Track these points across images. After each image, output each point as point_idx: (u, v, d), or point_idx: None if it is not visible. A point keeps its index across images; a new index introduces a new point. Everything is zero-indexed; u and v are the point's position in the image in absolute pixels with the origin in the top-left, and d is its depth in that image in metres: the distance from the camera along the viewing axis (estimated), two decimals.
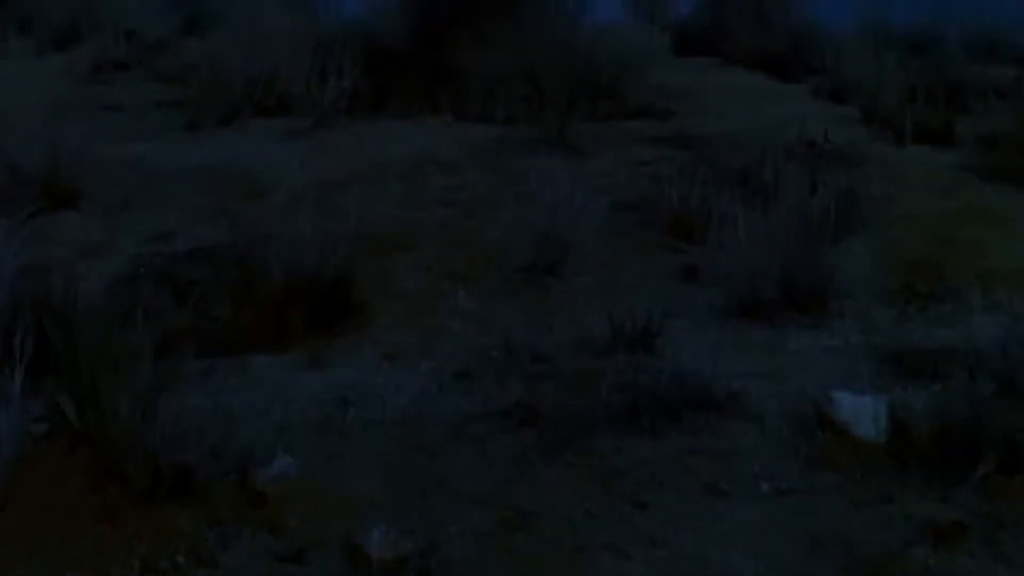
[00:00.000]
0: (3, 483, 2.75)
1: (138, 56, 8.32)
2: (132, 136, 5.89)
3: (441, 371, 3.58)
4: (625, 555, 2.66)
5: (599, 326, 3.79)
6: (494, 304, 4.04)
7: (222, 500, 2.78)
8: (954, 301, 4.12)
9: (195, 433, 2.90)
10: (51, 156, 4.81)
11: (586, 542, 2.70)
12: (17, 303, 3.49)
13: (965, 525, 2.79)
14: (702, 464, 3.09)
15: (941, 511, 2.83)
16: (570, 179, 4.87)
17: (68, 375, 2.98)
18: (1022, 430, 3.06)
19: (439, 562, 2.60)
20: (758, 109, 6.72)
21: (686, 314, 4.02)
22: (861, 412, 3.20)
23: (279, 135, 5.80)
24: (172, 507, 2.72)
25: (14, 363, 2.90)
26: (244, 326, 3.87)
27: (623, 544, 2.69)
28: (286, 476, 2.92)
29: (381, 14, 8.02)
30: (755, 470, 3.08)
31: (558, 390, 3.38)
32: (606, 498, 2.88)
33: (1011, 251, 4.44)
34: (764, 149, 5.23)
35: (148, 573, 2.57)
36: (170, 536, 2.65)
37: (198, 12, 9.30)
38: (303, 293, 3.91)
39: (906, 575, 2.61)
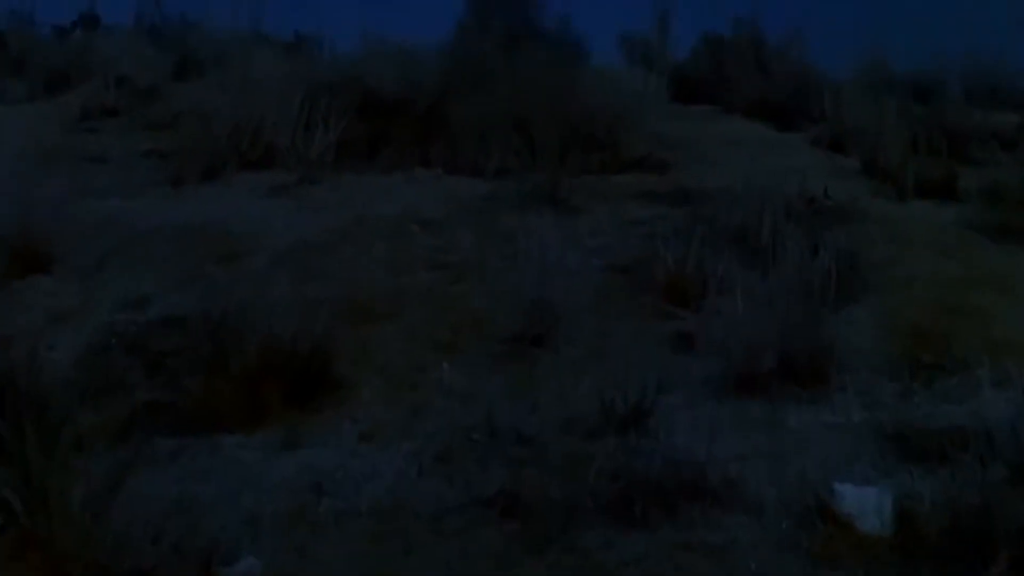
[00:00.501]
0: None
1: (128, 102, 8.19)
2: (113, 191, 5.74)
3: (421, 453, 3.40)
4: None
5: (588, 402, 3.61)
6: (479, 377, 3.85)
7: None
8: (961, 374, 3.93)
9: (154, 530, 2.72)
10: (24, 216, 4.64)
11: None
12: None
13: None
14: (697, 560, 2.90)
15: None
16: (561, 240, 4.72)
17: (17, 465, 2.79)
18: None
19: None
20: (757, 160, 6.55)
21: (680, 388, 3.84)
22: (865, 504, 3.02)
23: (264, 191, 5.63)
24: None
25: None
26: (216, 402, 3.69)
27: None
28: None
29: (376, 58, 7.91)
30: (753, 567, 2.89)
31: (543, 477, 3.19)
32: None
33: (1020, 319, 4.26)
34: (763, 206, 5.05)
35: None
36: None
37: (191, 57, 9.17)
38: (279, 367, 3.73)
39: None
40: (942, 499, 3.02)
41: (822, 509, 3.07)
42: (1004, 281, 4.64)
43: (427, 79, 7.72)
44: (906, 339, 4.17)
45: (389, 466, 3.33)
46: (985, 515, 2.91)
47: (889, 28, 10.34)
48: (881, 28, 10.51)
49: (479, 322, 4.16)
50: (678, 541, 2.97)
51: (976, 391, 3.75)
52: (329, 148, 5.84)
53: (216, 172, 5.98)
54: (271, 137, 5.90)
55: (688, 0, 11.15)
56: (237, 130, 6.08)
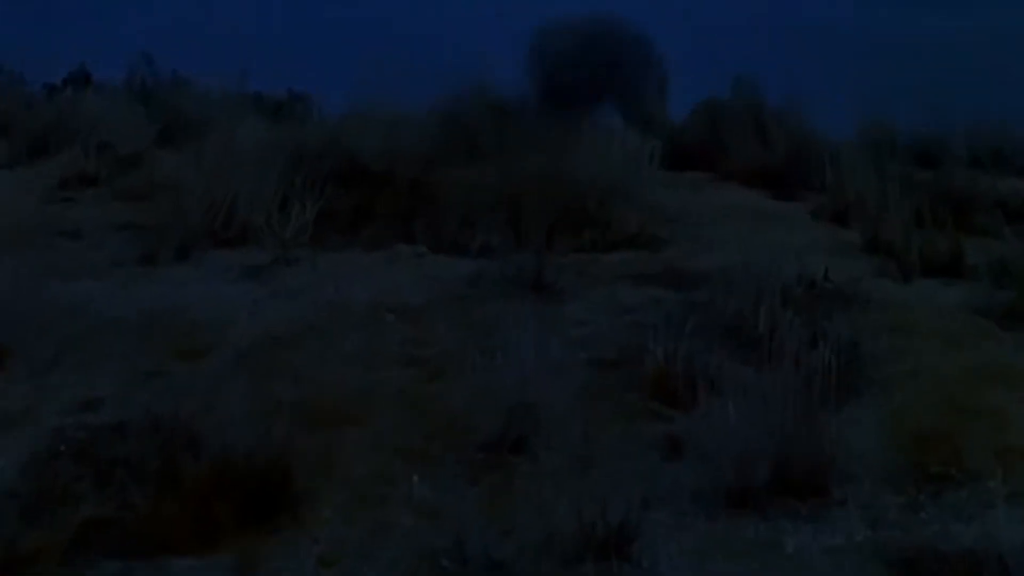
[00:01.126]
0: None
1: (108, 171, 7.97)
2: (81, 271, 5.49)
3: None
4: None
5: (568, 520, 3.32)
6: (452, 491, 3.57)
7: None
8: (972, 484, 3.65)
9: None
10: None
11: None
12: None
13: None
14: None
15: None
16: (545, 330, 4.45)
17: None
18: None
19: None
20: (754, 236, 6.32)
21: (668, 503, 3.56)
22: None
23: (237, 272, 5.39)
24: None
25: None
26: (166, 520, 3.41)
27: None
28: None
29: (362, 125, 7.71)
30: None
31: None
32: None
33: None
34: (759, 294, 4.79)
35: None
36: None
37: (177, 121, 8.98)
38: (233, 482, 3.45)
39: None
40: None
41: None
42: (1016, 376, 4.36)
43: (414, 149, 7.52)
44: (912, 444, 3.89)
45: None
46: None
47: (892, 88, 10.14)
48: (884, 87, 10.32)
49: (454, 427, 3.89)
50: None
51: (988, 506, 3.47)
52: (306, 226, 5.57)
53: (189, 250, 5.73)
54: (246, 215, 5.65)
55: (688, 57, 10.99)
56: (212, 206, 5.84)
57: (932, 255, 6.04)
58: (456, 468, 3.71)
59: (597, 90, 9.21)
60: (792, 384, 3.91)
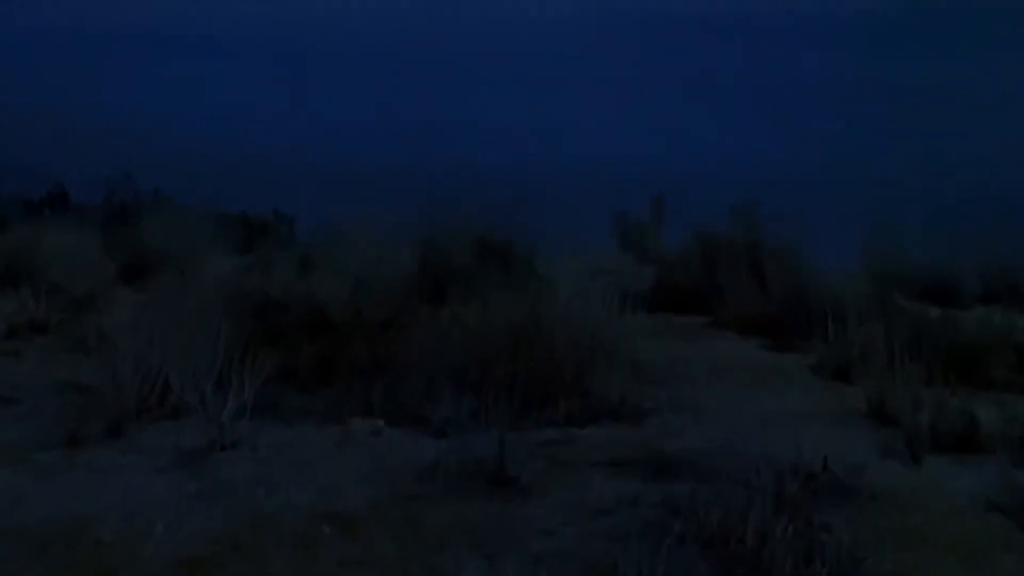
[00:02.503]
0: None
1: (61, 315, 7.51)
2: (3, 457, 4.95)
3: None
4: None
5: None
6: None
7: None
8: None
9: None
10: None
11: None
12: None
13: None
14: None
15: None
16: (503, 545, 3.88)
17: None
18: None
19: None
20: (747, 403, 5.77)
21: None
22: None
23: (168, 458, 4.84)
24: None
25: None
26: None
27: None
28: None
29: (327, 274, 7.26)
30: None
31: None
32: None
33: None
34: (749, 495, 4.22)
35: None
36: None
37: (138, 259, 8.53)
38: None
39: None
40: None
41: None
42: None
43: (385, 293, 7.04)
44: None
45: None
46: None
47: (900, 218, 9.66)
48: (892, 216, 9.84)
49: None
50: None
51: None
52: (245, 408, 5.03)
53: (122, 427, 5.20)
54: (179, 393, 5.12)
55: (687, 182, 10.58)
56: (148, 376, 5.32)
57: (944, 427, 5.47)
58: None
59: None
60: None
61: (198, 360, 5.13)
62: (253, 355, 5.33)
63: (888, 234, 8.69)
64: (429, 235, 8.34)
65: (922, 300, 8.55)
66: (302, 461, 4.79)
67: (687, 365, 6.37)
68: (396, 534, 4.06)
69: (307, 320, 6.67)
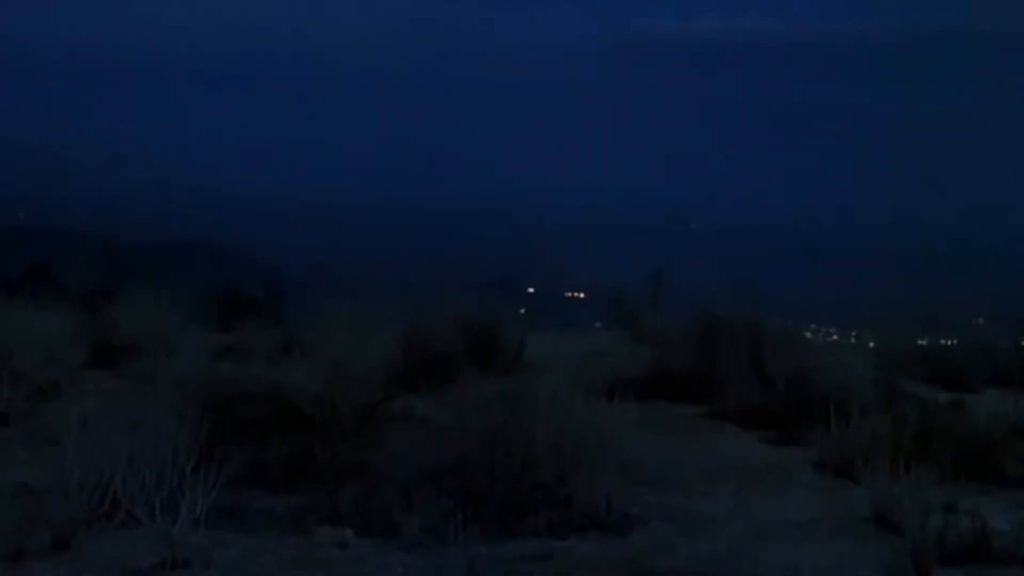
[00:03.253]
0: None
1: (24, 404, 7.15)
2: None
3: None
4: None
5: None
6: None
7: None
8: None
9: None
10: None
11: None
12: None
13: None
14: None
15: None
16: None
17: None
18: None
19: None
20: (745, 509, 5.38)
21: None
22: None
23: None
24: None
25: None
26: None
27: None
28: None
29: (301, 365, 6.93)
30: None
31: None
32: None
33: None
34: None
35: None
36: None
37: (110, 342, 8.19)
38: None
39: None
40: None
41: None
42: None
43: (363, 380, 6.70)
44: None
45: None
46: None
47: (909, 294, 9.32)
48: (903, 289, 9.48)
49: None
50: None
51: None
52: (201, 517, 4.65)
53: (69, 538, 4.82)
54: (128, 504, 4.74)
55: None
56: (99, 483, 4.95)
57: (953, 536, 5.07)
58: None
59: None
60: None
61: (151, 467, 4.75)
62: (218, 454, 4.98)
63: (896, 313, 8.33)
64: (415, 318, 8.01)
65: (931, 383, 8.18)
66: None
67: (680, 465, 5.98)
68: None
69: (278, 414, 6.31)
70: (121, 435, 5.12)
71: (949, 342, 8.58)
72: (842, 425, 6.36)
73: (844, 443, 6.27)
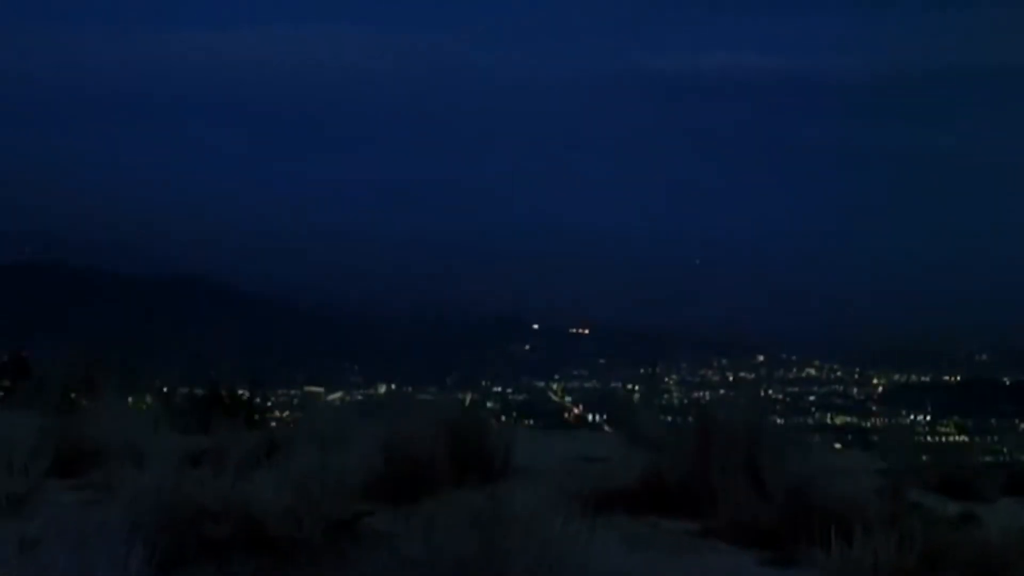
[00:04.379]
0: None
1: None
2: None
3: None
4: None
5: None
6: None
7: None
8: None
9: None
10: None
11: None
12: None
13: None
14: None
15: None
16: None
17: None
18: None
19: None
20: None
21: None
22: None
23: None
24: None
25: None
26: None
27: None
28: None
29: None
30: None
31: None
32: None
33: None
34: None
35: None
36: None
37: (78, 449, 7.81)
38: None
39: None
40: None
41: None
42: None
43: (332, 505, 6.32)
44: None
45: None
46: None
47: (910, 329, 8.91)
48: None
49: None
50: None
51: None
52: None
53: None
54: None
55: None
56: None
57: None
58: None
59: None
60: None
61: None
62: None
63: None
64: (398, 422, 7.64)
65: (940, 491, 7.75)
66: None
67: None
68: None
69: (243, 534, 5.93)
70: (69, 558, 4.78)
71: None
72: (844, 544, 5.94)
73: (846, 565, 5.85)
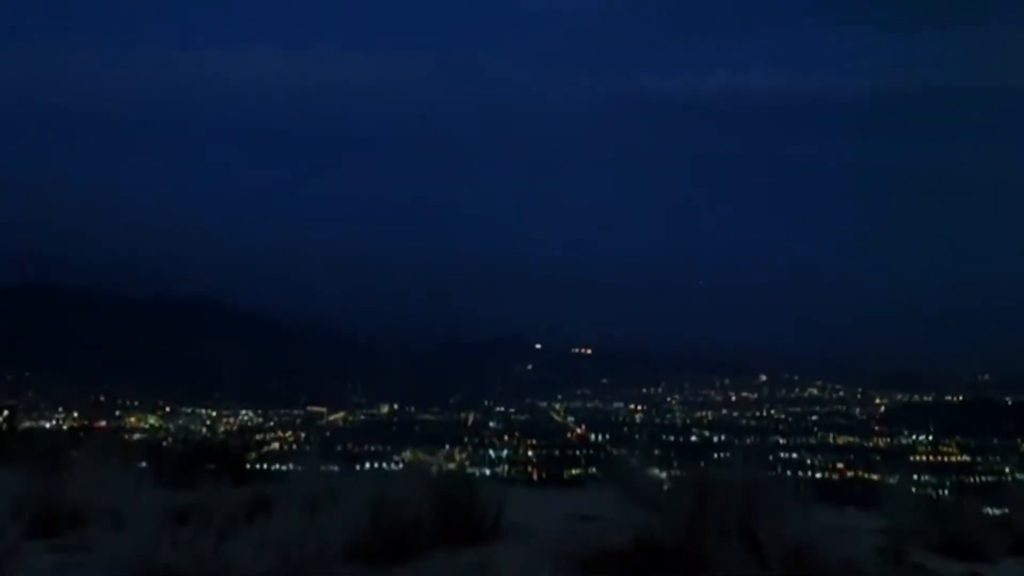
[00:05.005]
0: None
1: None
2: None
3: None
4: None
5: None
6: None
7: None
8: None
9: None
10: None
11: None
12: None
13: None
14: None
15: None
16: None
17: None
18: None
19: None
20: None
21: None
22: None
23: None
24: None
25: None
26: None
27: None
28: None
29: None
30: None
31: None
32: None
33: None
34: None
35: None
36: None
37: (56, 509, 7.62)
38: None
39: None
40: None
41: None
42: None
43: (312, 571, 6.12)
44: None
45: None
46: None
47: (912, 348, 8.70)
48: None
49: None
50: None
51: None
52: None
53: None
54: None
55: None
56: None
57: None
58: None
59: None
60: None
61: None
62: None
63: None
64: (385, 486, 7.44)
65: (943, 551, 7.52)
66: None
67: None
68: None
69: None
70: None
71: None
72: None
73: None
